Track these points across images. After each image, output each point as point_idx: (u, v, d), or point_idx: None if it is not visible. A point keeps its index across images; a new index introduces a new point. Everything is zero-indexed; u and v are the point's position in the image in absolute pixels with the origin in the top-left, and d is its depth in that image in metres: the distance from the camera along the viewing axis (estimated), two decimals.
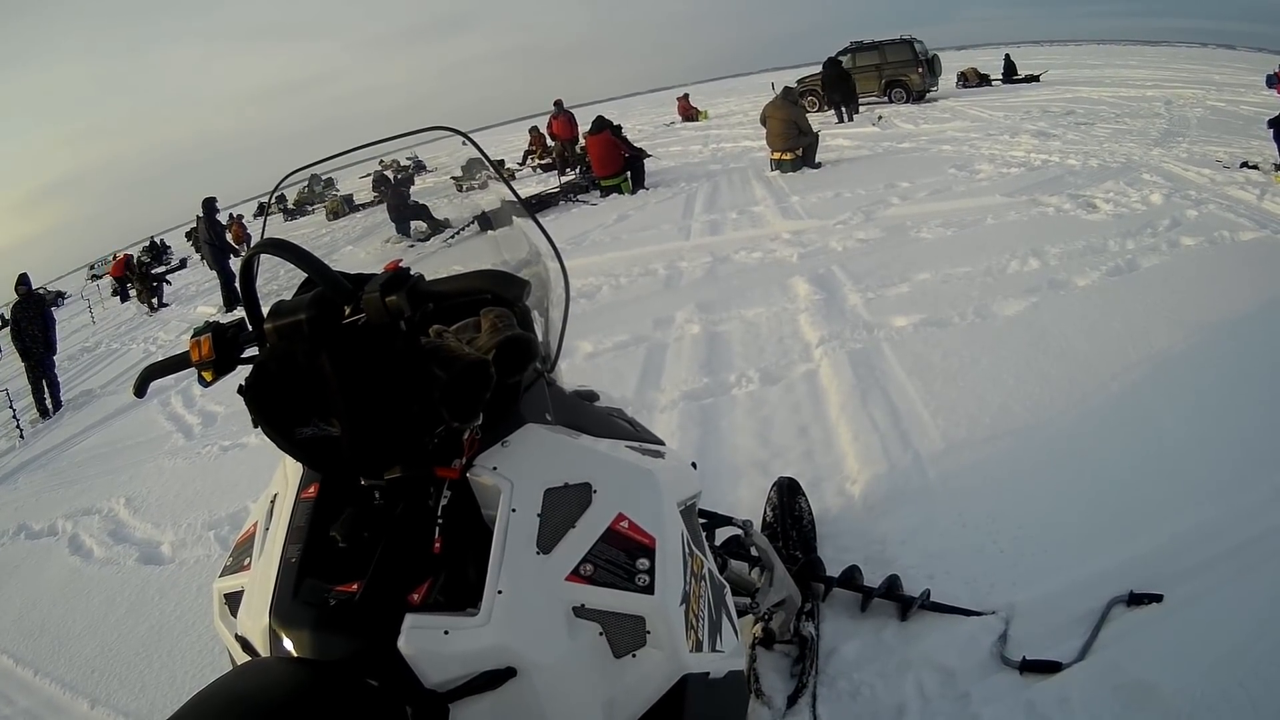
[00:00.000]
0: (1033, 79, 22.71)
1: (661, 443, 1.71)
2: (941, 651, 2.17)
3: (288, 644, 1.10)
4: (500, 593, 1.09)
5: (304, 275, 1.21)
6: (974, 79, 23.45)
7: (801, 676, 2.16)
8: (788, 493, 2.83)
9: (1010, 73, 23.54)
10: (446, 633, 1.05)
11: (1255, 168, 7.57)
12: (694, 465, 1.78)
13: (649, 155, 13.29)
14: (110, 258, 25.83)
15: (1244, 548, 2.37)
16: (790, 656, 2.25)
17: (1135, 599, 2.22)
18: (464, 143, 1.80)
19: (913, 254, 6.12)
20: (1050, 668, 2.05)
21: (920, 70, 20.39)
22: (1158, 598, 2.21)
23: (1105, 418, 3.26)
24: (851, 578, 2.40)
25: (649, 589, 1.17)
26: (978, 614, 2.27)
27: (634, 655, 1.16)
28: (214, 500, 4.42)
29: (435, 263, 1.87)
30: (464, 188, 3.01)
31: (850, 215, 7.77)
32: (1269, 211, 6.04)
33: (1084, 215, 6.54)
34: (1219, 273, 4.80)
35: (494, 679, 1.05)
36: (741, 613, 1.94)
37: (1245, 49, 35.41)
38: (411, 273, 1.15)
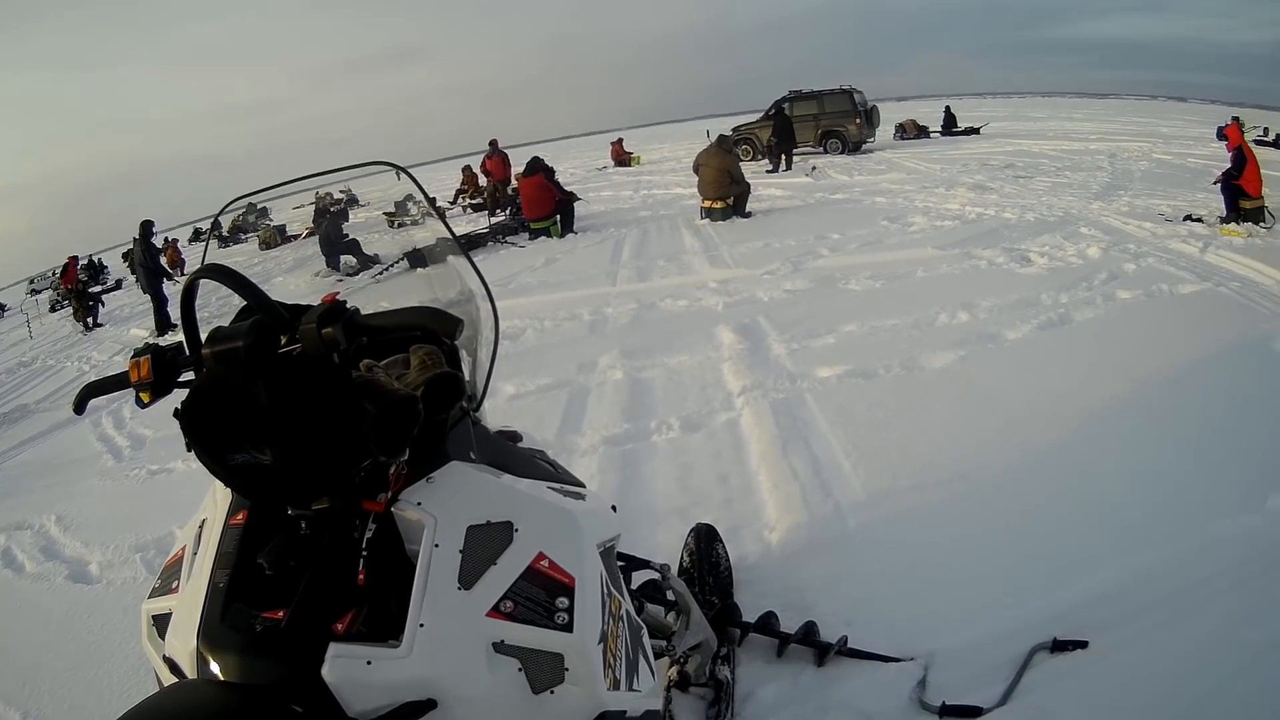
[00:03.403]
0: (973, 131, 23.85)
1: (583, 485, 1.80)
2: (859, 697, 2.25)
3: (214, 667, 1.15)
4: (422, 626, 1.15)
5: (242, 302, 1.27)
6: (912, 130, 24.45)
7: (717, 719, 2.21)
8: (705, 538, 2.90)
9: (950, 124, 24.64)
10: (369, 663, 1.11)
11: (1199, 220, 8.10)
12: (614, 508, 1.85)
13: (580, 199, 13.58)
14: (52, 274, 25.35)
15: (1172, 597, 2.52)
16: (705, 700, 2.30)
17: (1059, 645, 2.34)
18: (400, 178, 1.88)
19: (841, 305, 6.38)
20: (971, 713, 2.15)
21: (858, 121, 21.22)
22: (1083, 644, 2.34)
23: (1032, 468, 3.44)
24: (768, 623, 2.49)
25: (568, 627, 1.25)
26: (896, 660, 2.37)
27: (552, 691, 1.23)
28: (141, 524, 4.41)
29: (364, 298, 1.93)
30: (396, 223, 3.06)
31: (779, 265, 8.04)
32: (1211, 264, 6.51)
33: (1018, 269, 6.92)
34: (1156, 326, 5.16)
35: (415, 710, 1.11)
36: (658, 655, 2.00)
37: (1197, 101, 37.62)
38: (348, 306, 1.22)
